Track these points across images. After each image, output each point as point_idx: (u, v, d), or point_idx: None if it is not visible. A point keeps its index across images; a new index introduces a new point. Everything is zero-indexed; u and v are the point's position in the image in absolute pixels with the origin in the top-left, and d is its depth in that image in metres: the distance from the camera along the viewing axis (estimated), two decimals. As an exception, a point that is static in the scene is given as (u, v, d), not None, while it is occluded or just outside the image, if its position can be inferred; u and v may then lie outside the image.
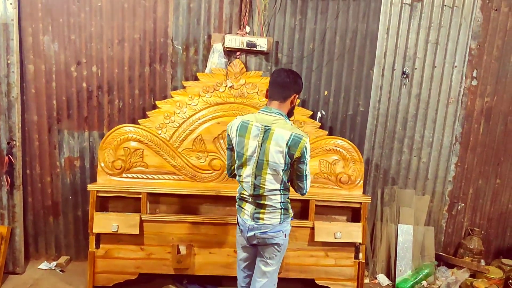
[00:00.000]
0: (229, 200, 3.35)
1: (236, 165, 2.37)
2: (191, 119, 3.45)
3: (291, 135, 2.17)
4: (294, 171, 2.28)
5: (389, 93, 3.76)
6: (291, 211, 2.41)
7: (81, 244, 3.77)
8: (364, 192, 3.64)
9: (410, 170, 3.90)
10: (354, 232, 3.31)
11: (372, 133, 3.81)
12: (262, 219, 2.32)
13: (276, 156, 2.19)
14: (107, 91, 3.58)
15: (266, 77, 3.50)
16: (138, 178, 3.41)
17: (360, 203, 3.36)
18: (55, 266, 3.65)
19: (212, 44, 3.53)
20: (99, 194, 3.23)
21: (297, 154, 2.17)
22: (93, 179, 3.57)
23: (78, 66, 3.53)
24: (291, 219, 3.11)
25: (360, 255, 3.36)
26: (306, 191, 2.34)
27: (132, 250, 3.24)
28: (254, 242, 2.39)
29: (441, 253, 4.01)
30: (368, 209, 3.52)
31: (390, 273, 3.82)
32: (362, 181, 3.51)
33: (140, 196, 3.22)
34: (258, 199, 2.31)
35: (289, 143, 2.16)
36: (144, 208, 3.23)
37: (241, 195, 2.41)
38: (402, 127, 3.82)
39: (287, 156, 2.18)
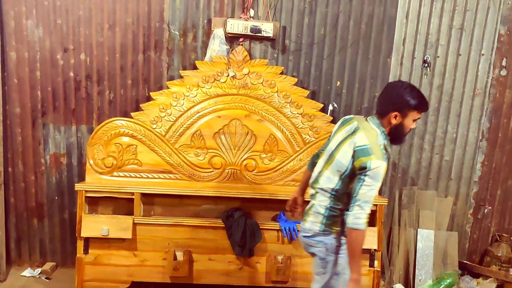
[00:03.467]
0: (231, 202, 3.38)
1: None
2: (189, 112, 3.47)
3: (365, 145, 2.17)
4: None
5: (408, 84, 3.76)
6: (337, 229, 2.31)
7: (68, 249, 3.79)
8: (380, 194, 3.65)
9: (432, 169, 3.90)
10: (368, 238, 3.27)
11: (389, 128, 3.81)
12: (306, 221, 2.38)
13: (343, 156, 2.23)
14: (97, 81, 3.60)
15: (271, 66, 3.52)
16: (130, 177, 3.43)
17: (376, 205, 3.35)
18: (40, 273, 3.68)
19: (212, 29, 3.54)
20: (88, 195, 3.26)
21: (356, 164, 2.16)
22: (81, 178, 3.60)
23: (64, 54, 3.55)
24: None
25: (376, 262, 3.37)
26: (350, 221, 2.14)
27: (124, 256, 3.27)
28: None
29: (465, 261, 4.02)
30: (384, 212, 3.52)
31: (408, 282, 3.83)
32: (378, 181, 3.52)
33: (133, 196, 3.25)
34: (312, 196, 2.40)
35: (357, 149, 2.18)
36: (137, 210, 3.26)
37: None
38: (422, 122, 3.82)
39: (351, 159, 2.20)
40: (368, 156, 2.12)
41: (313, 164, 2.57)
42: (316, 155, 2.60)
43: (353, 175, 2.19)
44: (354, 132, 2.26)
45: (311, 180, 2.44)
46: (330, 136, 2.48)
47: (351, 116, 2.43)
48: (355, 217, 2.13)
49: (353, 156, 2.18)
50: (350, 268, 2.21)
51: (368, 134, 2.22)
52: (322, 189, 2.31)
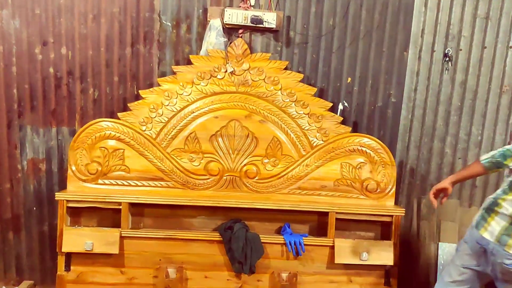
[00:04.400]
0: (229, 212, 3.37)
1: None
2: (182, 112, 3.46)
3: None
4: None
5: (427, 80, 3.74)
6: None
7: (48, 265, 3.77)
8: (396, 203, 3.63)
9: (454, 176, 3.88)
10: (384, 252, 3.31)
11: (407, 130, 3.80)
12: (510, 245, 2.35)
13: None
14: (80, 78, 3.59)
15: (275, 61, 3.51)
16: (117, 184, 3.42)
17: (392, 216, 3.36)
18: (16, 292, 3.67)
19: (208, 20, 3.53)
20: (70, 205, 3.25)
21: None
22: (63, 186, 3.59)
23: (43, 47, 3.54)
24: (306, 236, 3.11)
25: (392, 280, 3.36)
26: None
27: (110, 274, 3.26)
28: (492, 273, 2.44)
29: (492, 279, 3.99)
30: (401, 224, 3.51)
31: (428, 303, 3.82)
32: (394, 189, 3.51)
33: (120, 207, 3.23)
34: None
35: None
36: (125, 222, 3.24)
37: (495, 202, 2.47)
38: (443, 123, 3.80)
39: None
40: None
41: (495, 164, 2.60)
42: (504, 154, 2.60)
43: None
44: None
45: None
46: None
47: None
48: None
49: None
50: None
51: None
52: None
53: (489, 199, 2.57)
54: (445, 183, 2.77)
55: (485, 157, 2.71)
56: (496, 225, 2.40)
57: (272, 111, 3.49)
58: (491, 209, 2.48)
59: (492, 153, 2.68)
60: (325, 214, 3.34)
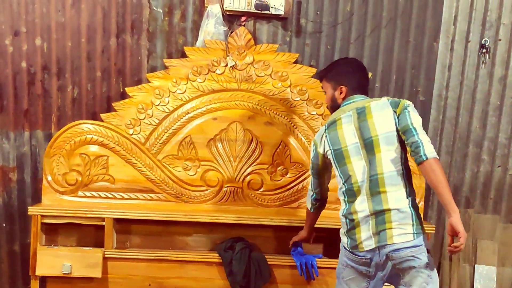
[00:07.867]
0: (230, 229, 3.38)
1: (337, 172, 2.62)
2: (176, 113, 3.48)
3: (388, 99, 2.56)
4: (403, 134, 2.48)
5: (461, 75, 3.75)
6: (423, 226, 2.51)
7: (19, 291, 3.81)
8: (425, 219, 3.64)
9: (492, 187, 3.88)
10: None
11: (437, 133, 3.81)
12: (389, 238, 2.40)
13: (386, 124, 2.49)
14: (57, 74, 3.61)
15: (283, 53, 3.52)
16: (100, 197, 3.44)
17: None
18: (-18, 322, 3.69)
19: (206, 5, 3.54)
20: (45, 220, 3.25)
21: (401, 106, 2.49)
22: (37, 199, 3.60)
23: (15, 38, 3.56)
24: (320, 256, 3.16)
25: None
26: (429, 151, 2.39)
27: (92, 301, 3.27)
28: (384, 270, 2.49)
29: (537, 307, 3.99)
30: (431, 243, 3.51)
31: (463, 335, 3.82)
32: (422, 203, 3.49)
33: (104, 223, 3.24)
34: (377, 204, 2.44)
35: (390, 101, 2.54)
36: (109, 241, 3.26)
37: (349, 216, 2.55)
38: (480, 125, 3.81)
39: (395, 116, 2.48)
40: (400, 100, 2.54)
41: (319, 201, 2.97)
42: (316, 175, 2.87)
43: (404, 128, 2.45)
44: (364, 107, 2.56)
45: (367, 188, 2.48)
46: (320, 149, 2.72)
47: (329, 121, 2.68)
48: (429, 144, 2.42)
49: (394, 111, 2.49)
50: (451, 206, 2.39)
51: (375, 99, 2.61)
52: (391, 183, 2.44)
53: (343, 216, 2.62)
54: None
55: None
56: (365, 230, 2.48)
57: (280, 112, 3.50)
58: (350, 225, 2.55)
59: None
60: (336, 230, 3.32)
